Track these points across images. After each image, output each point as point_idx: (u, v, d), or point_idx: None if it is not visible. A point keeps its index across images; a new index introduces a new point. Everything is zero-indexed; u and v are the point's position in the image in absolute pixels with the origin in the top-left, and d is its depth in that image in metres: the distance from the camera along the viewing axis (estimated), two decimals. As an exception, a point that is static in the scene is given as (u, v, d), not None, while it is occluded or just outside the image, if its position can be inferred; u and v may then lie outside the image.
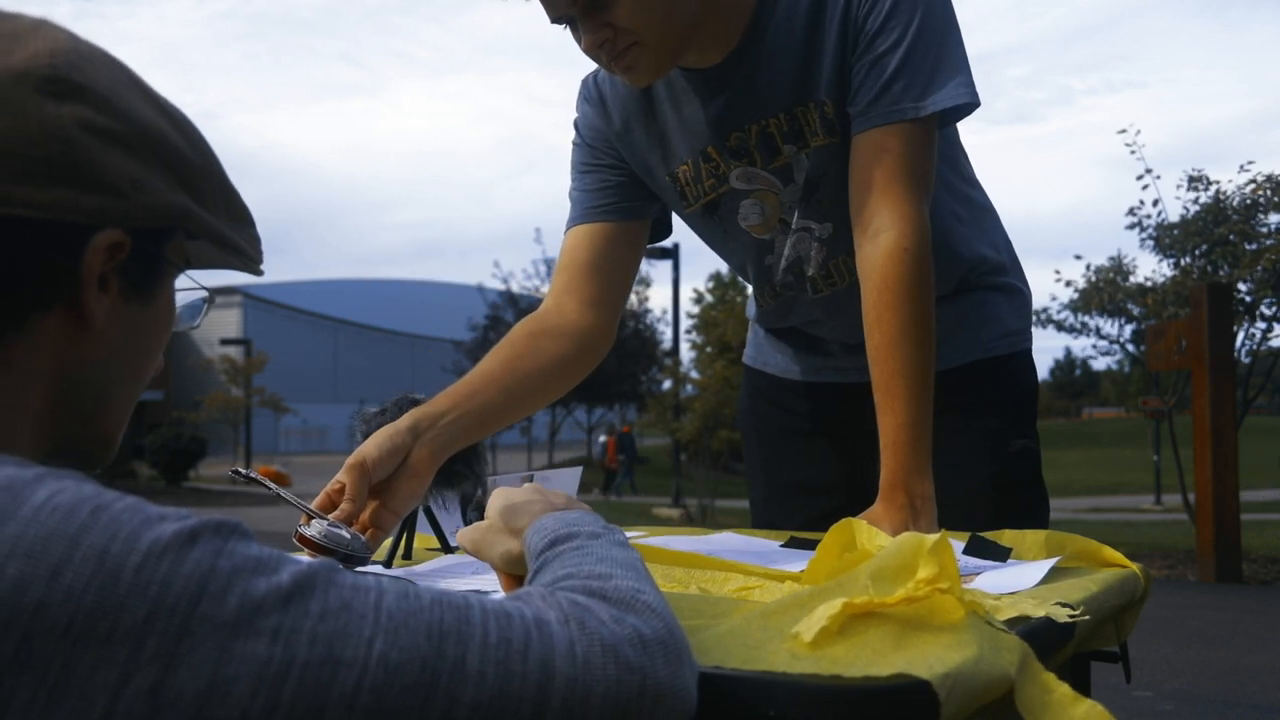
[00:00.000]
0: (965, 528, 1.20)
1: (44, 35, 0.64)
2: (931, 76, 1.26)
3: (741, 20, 1.31)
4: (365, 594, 0.54)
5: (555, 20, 1.24)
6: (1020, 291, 1.56)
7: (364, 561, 1.07)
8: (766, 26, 1.31)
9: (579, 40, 1.25)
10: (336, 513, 1.09)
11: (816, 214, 1.40)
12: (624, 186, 1.45)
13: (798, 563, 1.07)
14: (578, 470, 1.44)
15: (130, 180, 0.64)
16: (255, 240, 0.77)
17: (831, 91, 1.31)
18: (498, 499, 0.87)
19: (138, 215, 0.64)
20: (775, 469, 1.66)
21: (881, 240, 1.25)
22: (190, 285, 0.80)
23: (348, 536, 1.06)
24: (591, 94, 1.47)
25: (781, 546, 1.27)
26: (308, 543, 1.05)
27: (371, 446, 1.13)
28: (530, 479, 1.36)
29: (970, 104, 1.29)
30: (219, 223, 0.71)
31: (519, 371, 1.31)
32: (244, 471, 1.14)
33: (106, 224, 0.63)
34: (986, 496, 1.42)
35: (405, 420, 1.16)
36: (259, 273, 0.79)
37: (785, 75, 1.32)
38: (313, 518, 1.07)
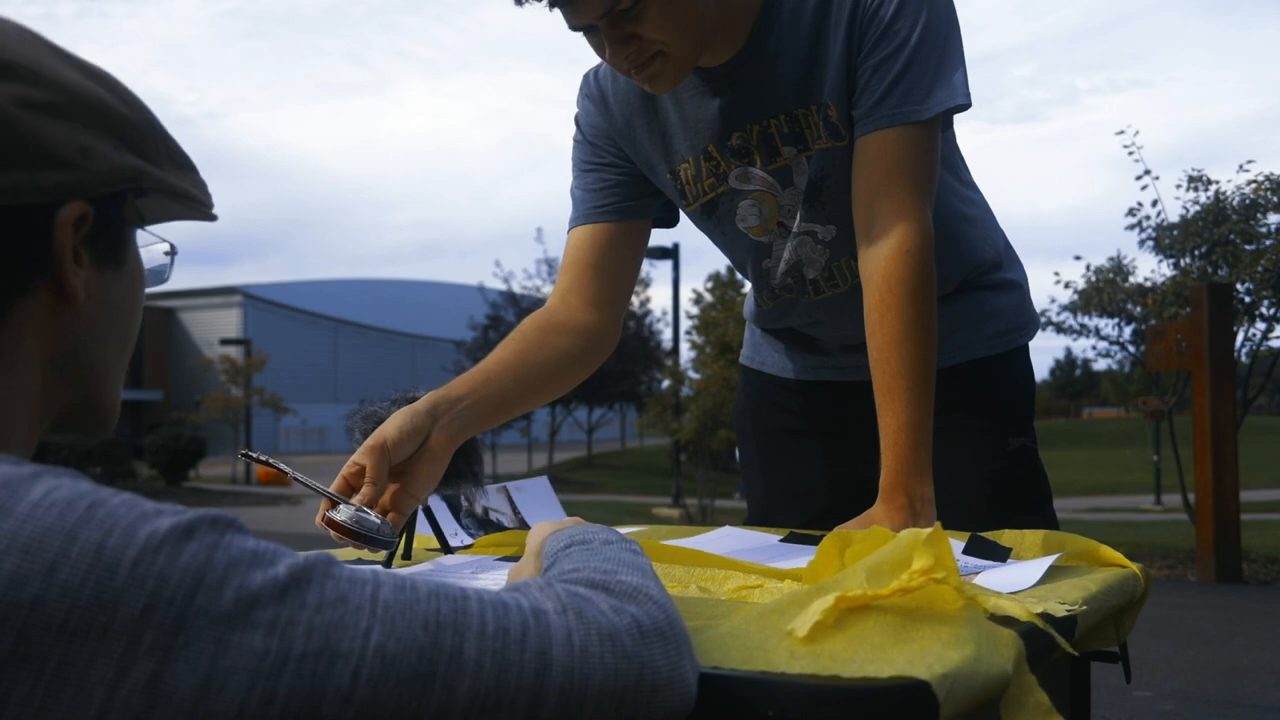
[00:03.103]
0: (965, 526, 1.21)
1: None
2: (935, 79, 1.26)
3: (747, 21, 1.31)
4: (362, 586, 0.54)
5: (576, 28, 1.23)
6: (1018, 285, 1.57)
7: (391, 545, 1.08)
8: (771, 28, 1.31)
9: (600, 49, 1.24)
10: (359, 496, 1.10)
11: (820, 217, 1.40)
12: (625, 185, 1.45)
13: (798, 559, 1.08)
14: (542, 479, 1.45)
15: (79, 149, 0.63)
16: (203, 185, 0.77)
17: (836, 94, 1.31)
18: (537, 531, 0.87)
19: (93, 183, 0.64)
20: (773, 468, 1.67)
21: (884, 242, 1.25)
22: (152, 241, 0.79)
23: (376, 521, 1.06)
24: (593, 91, 1.46)
25: (781, 541, 1.28)
26: (337, 527, 1.05)
27: (391, 429, 1.13)
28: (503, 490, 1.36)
29: (965, 104, 1.29)
30: (168, 175, 0.71)
31: (530, 362, 1.33)
32: (254, 454, 1.14)
33: (66, 198, 0.63)
34: (985, 495, 1.43)
35: (423, 404, 1.17)
36: (212, 217, 0.79)
37: (789, 77, 1.32)
38: (338, 503, 1.08)
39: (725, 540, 1.32)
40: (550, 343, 1.36)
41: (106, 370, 0.70)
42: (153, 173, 0.69)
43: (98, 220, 0.66)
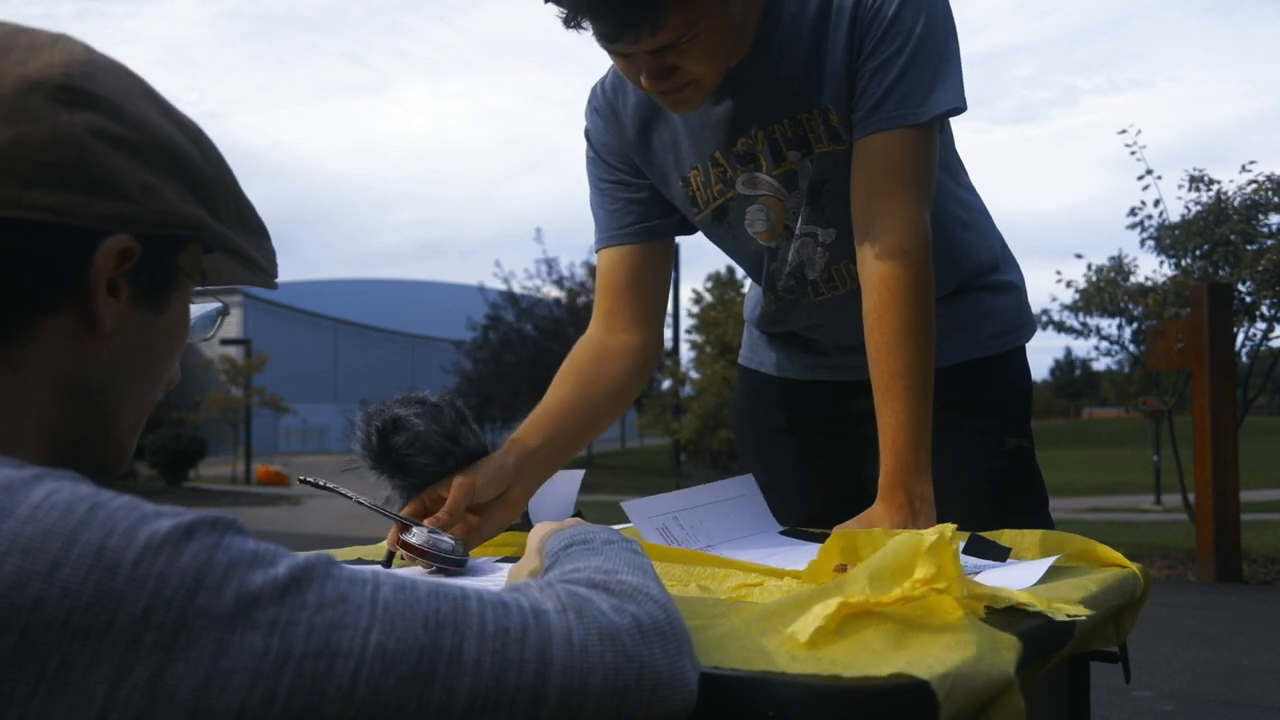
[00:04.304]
0: (962, 526, 1.21)
1: (61, 48, 0.65)
2: (934, 82, 1.27)
3: (751, 28, 1.32)
4: (362, 586, 0.55)
5: (610, 49, 1.23)
6: (1015, 287, 1.58)
7: (463, 567, 1.10)
8: (772, 33, 1.32)
9: (631, 73, 1.25)
10: (430, 519, 1.13)
11: (821, 219, 1.41)
12: (643, 204, 1.47)
13: (797, 556, 1.08)
14: (579, 473, 1.47)
15: (141, 186, 0.65)
16: (269, 253, 0.78)
17: (837, 98, 1.32)
18: (538, 531, 0.88)
19: (148, 221, 0.65)
20: (770, 468, 1.68)
21: (882, 242, 1.25)
22: (204, 297, 0.81)
23: (450, 543, 1.09)
24: (601, 104, 1.47)
25: (781, 533, 1.29)
26: (411, 549, 1.08)
27: (482, 473, 1.19)
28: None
29: (961, 108, 1.30)
30: (232, 234, 0.72)
31: (591, 396, 1.38)
32: (313, 479, 1.16)
33: (116, 229, 0.64)
34: (983, 495, 1.43)
35: (511, 456, 1.24)
36: (273, 286, 0.81)
37: (790, 81, 1.33)
38: (409, 526, 1.10)
39: (735, 504, 1.34)
40: (606, 371, 1.41)
41: (124, 408, 0.70)
42: (214, 226, 0.70)
43: (146, 258, 0.66)
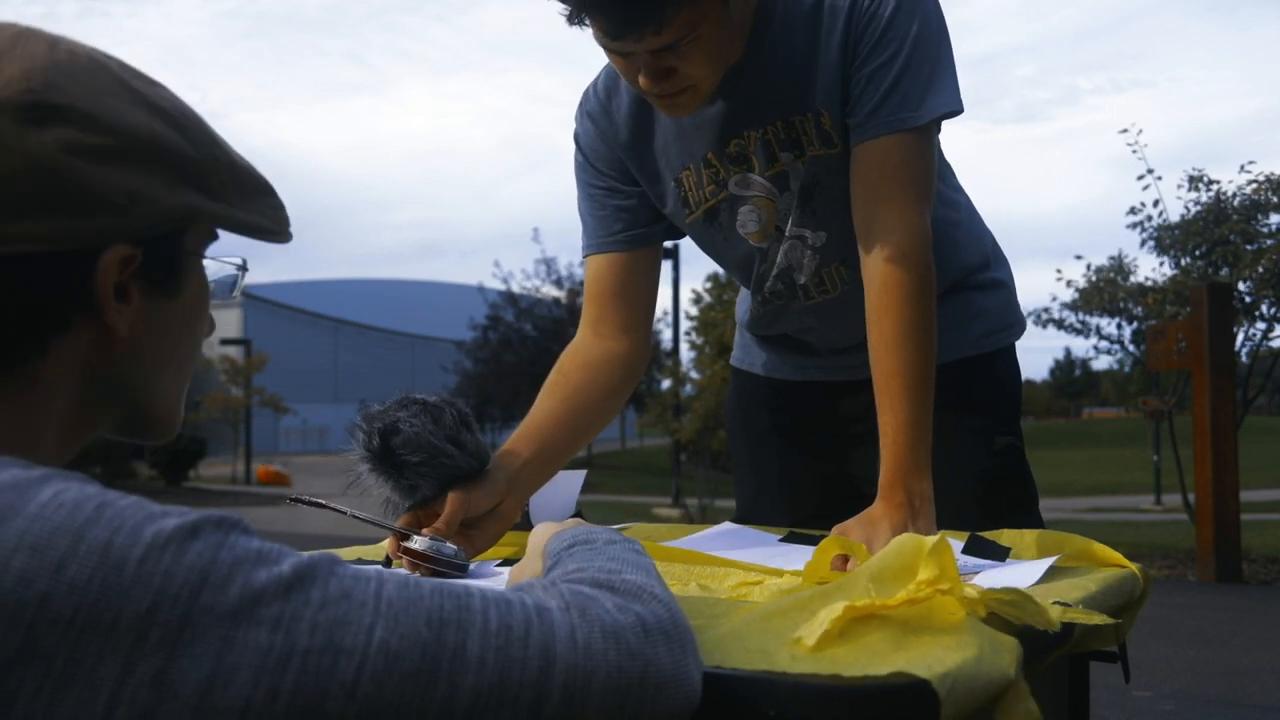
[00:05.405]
0: (955, 524, 1.21)
1: (20, 55, 0.62)
2: (929, 85, 1.28)
3: (743, 31, 1.32)
4: (366, 583, 0.55)
5: (611, 50, 1.23)
6: (1004, 285, 1.58)
7: (465, 571, 1.11)
8: (764, 36, 1.32)
9: (628, 72, 1.25)
10: (427, 530, 1.14)
11: (811, 222, 1.41)
12: (631, 211, 1.46)
13: (797, 560, 1.08)
14: (580, 474, 1.47)
15: (126, 193, 0.63)
16: (275, 209, 0.75)
17: (829, 102, 1.32)
18: (540, 532, 0.88)
19: (141, 225, 0.64)
20: (762, 468, 1.68)
21: (884, 245, 1.25)
22: (224, 258, 0.79)
23: (451, 550, 1.10)
24: (594, 108, 1.46)
25: (780, 541, 1.29)
26: (414, 554, 1.09)
27: (476, 487, 1.21)
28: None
29: (957, 110, 1.31)
30: (231, 210, 0.70)
31: (579, 407, 1.39)
32: (304, 497, 1.17)
33: (111, 241, 0.63)
34: (975, 493, 1.43)
35: (502, 471, 1.25)
36: (286, 240, 0.78)
37: (783, 82, 1.33)
38: (409, 535, 1.12)
39: (725, 538, 1.33)
40: (594, 381, 1.41)
41: (157, 390, 0.70)
42: (210, 208, 0.68)
43: (149, 256, 0.65)
